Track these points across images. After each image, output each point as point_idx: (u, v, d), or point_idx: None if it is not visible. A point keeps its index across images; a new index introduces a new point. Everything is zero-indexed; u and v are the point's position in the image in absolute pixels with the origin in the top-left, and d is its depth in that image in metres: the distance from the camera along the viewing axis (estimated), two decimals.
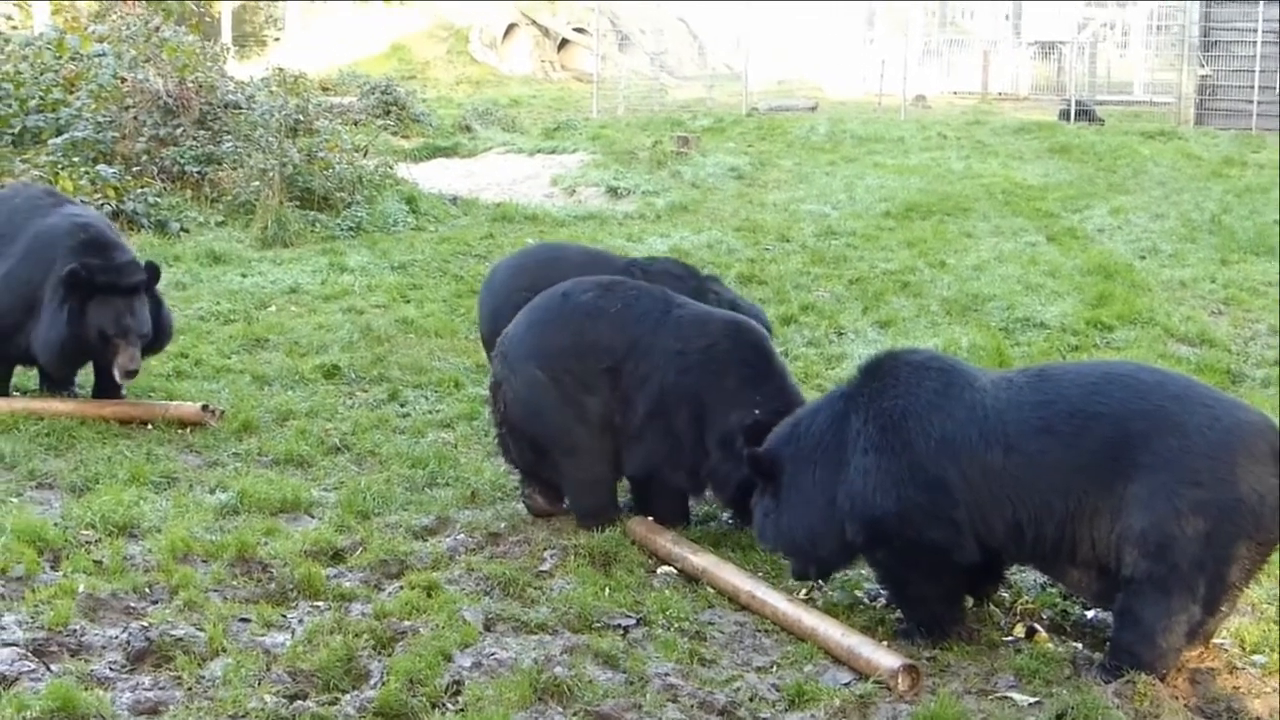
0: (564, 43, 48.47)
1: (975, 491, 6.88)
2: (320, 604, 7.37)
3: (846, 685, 6.64)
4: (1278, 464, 6.53)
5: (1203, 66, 33.64)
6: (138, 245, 16.21)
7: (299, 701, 6.31)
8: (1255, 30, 32.63)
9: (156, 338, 10.62)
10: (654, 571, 7.97)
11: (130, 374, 10.42)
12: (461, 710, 6.26)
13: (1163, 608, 6.53)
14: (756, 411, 8.04)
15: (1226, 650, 7.05)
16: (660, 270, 10.53)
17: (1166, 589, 6.50)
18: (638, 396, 8.35)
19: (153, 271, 10.59)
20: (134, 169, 18.23)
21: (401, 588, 7.55)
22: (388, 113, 29.56)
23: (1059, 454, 6.75)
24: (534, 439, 8.54)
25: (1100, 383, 6.87)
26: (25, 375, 11.15)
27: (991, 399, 6.97)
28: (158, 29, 21.94)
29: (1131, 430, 6.63)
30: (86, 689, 6.24)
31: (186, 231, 17.48)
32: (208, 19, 38.14)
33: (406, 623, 7.06)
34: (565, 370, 8.38)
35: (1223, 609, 6.76)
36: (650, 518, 8.54)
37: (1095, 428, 6.70)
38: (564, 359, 8.41)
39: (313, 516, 8.73)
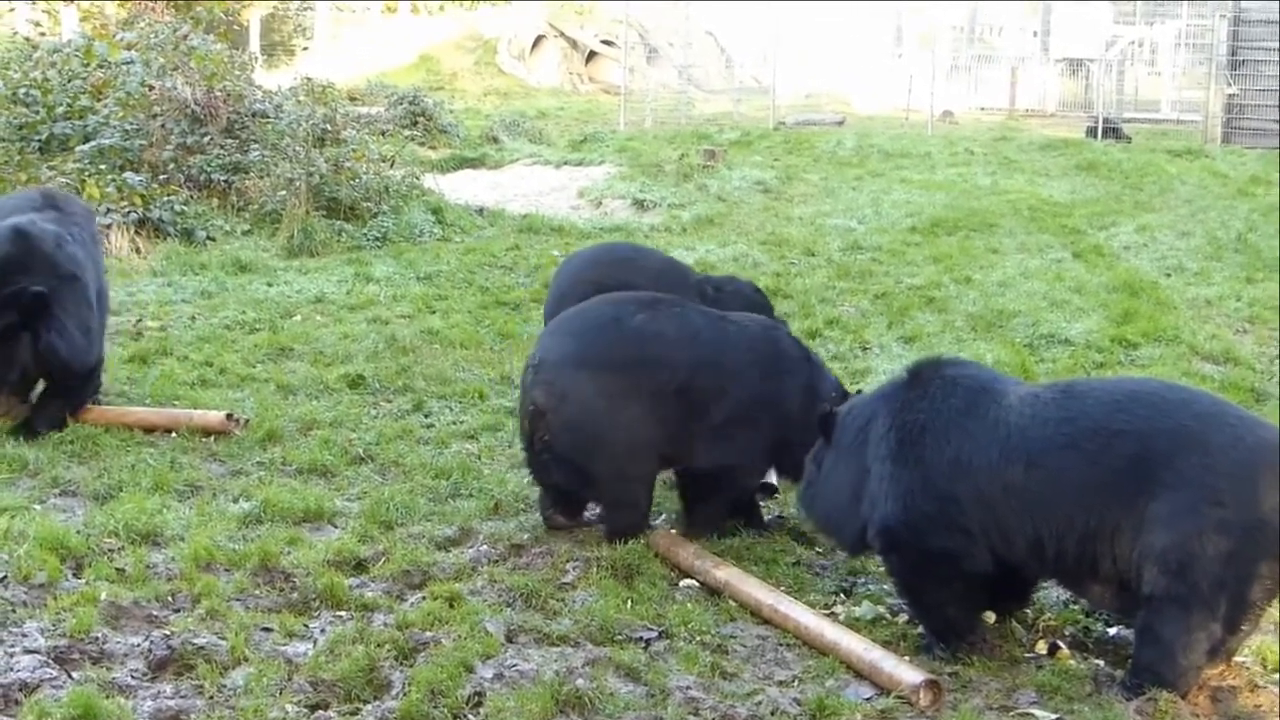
0: (592, 55, 48.51)
1: (995, 508, 6.91)
2: (342, 614, 7.38)
3: (868, 700, 6.64)
4: None
5: (1230, 85, 33.57)
6: (163, 253, 16.34)
7: (320, 711, 6.32)
8: None
9: (49, 371, 10.19)
10: (676, 584, 7.98)
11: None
12: None
13: (1183, 626, 6.53)
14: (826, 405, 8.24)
15: (1248, 668, 7.04)
16: (734, 292, 10.59)
17: (1187, 607, 6.50)
18: (715, 408, 8.44)
19: (29, 309, 9.91)
20: (161, 177, 18.25)
21: (424, 598, 7.56)
22: (415, 123, 29.59)
23: (1082, 470, 6.75)
24: (584, 465, 8.45)
25: (1125, 400, 6.87)
26: None
27: (1016, 415, 6.99)
28: (186, 37, 22.03)
29: (1155, 448, 6.63)
30: (108, 697, 6.26)
31: (213, 240, 17.51)
32: (236, 27, 38.28)
33: (428, 633, 7.07)
34: (625, 395, 8.35)
35: (1244, 627, 6.75)
36: (691, 522, 8.73)
37: (1118, 445, 6.70)
38: (625, 383, 8.36)
39: (336, 526, 8.74)
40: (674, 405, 8.39)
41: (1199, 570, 6.45)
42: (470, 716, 6.32)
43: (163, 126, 19.29)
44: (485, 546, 8.40)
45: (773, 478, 9.29)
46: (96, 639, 6.85)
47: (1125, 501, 6.64)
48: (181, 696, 6.38)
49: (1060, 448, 6.83)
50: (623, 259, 11.01)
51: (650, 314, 8.59)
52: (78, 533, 8.19)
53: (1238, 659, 7.00)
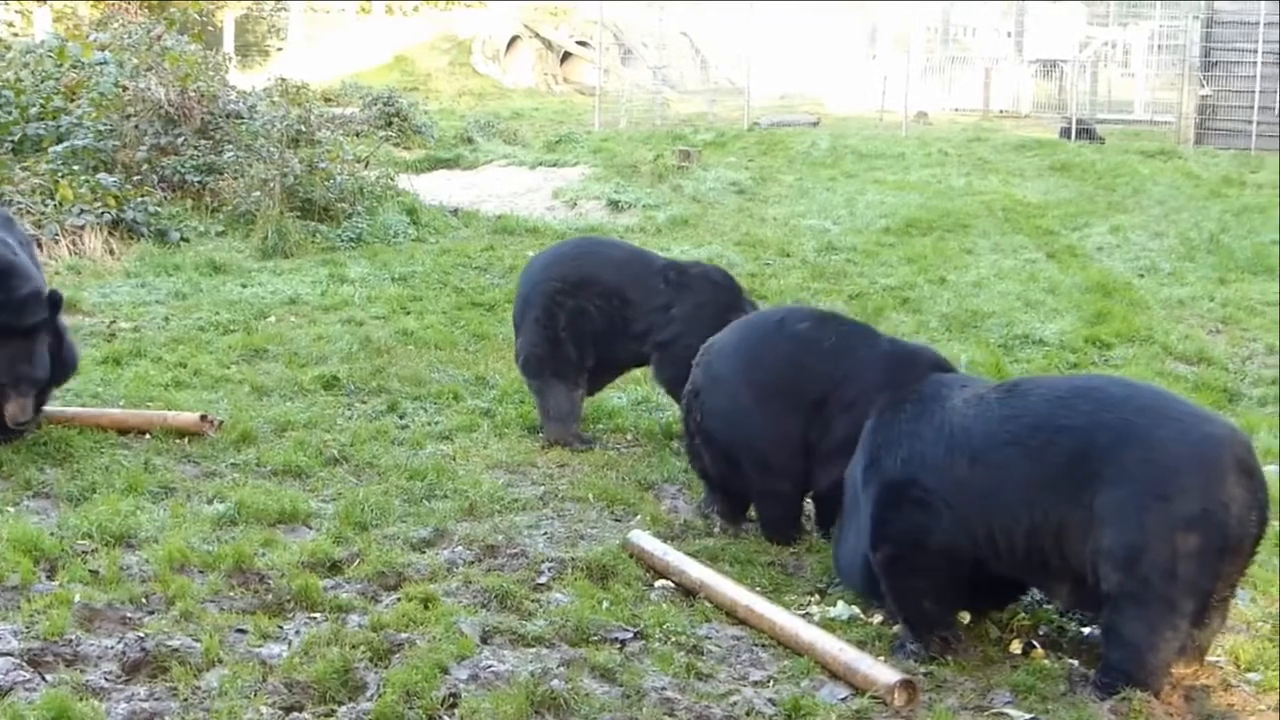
0: (566, 55, 48.57)
1: (950, 498, 6.96)
2: (317, 615, 7.37)
3: (843, 700, 6.64)
4: (1244, 475, 6.57)
5: (1203, 87, 33.68)
6: (137, 254, 16.30)
7: (295, 713, 6.31)
8: (1255, 51, 32.68)
9: (56, 375, 9.94)
10: (651, 585, 7.97)
11: (21, 425, 9.63)
12: None
13: (1144, 623, 6.56)
14: None
15: (1221, 668, 7.06)
16: (699, 275, 10.64)
17: (1143, 604, 6.52)
18: (838, 421, 8.38)
19: (55, 303, 9.80)
20: (135, 178, 18.20)
21: (399, 599, 7.54)
22: (389, 124, 29.57)
23: (1024, 467, 6.81)
24: (729, 450, 8.71)
25: (1068, 396, 6.92)
26: None
27: (959, 415, 7.07)
28: (160, 37, 21.97)
29: (1096, 443, 6.66)
30: (82, 699, 6.24)
31: (186, 241, 17.47)
32: (210, 28, 38.28)
33: (403, 635, 7.06)
34: (774, 392, 8.51)
35: (1210, 622, 6.78)
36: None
37: (1060, 441, 6.75)
38: (775, 381, 8.53)
39: (310, 528, 8.72)
40: (811, 412, 8.46)
41: (1148, 565, 6.47)
42: (445, 718, 6.31)
43: (136, 127, 19.24)
44: (460, 548, 8.38)
45: None
46: (70, 641, 6.83)
47: (1069, 497, 6.68)
48: (155, 699, 6.36)
49: (1002, 444, 6.90)
50: (587, 252, 11.06)
51: (814, 324, 8.76)
52: (51, 535, 8.17)
53: (1211, 658, 7.03)
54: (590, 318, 10.50)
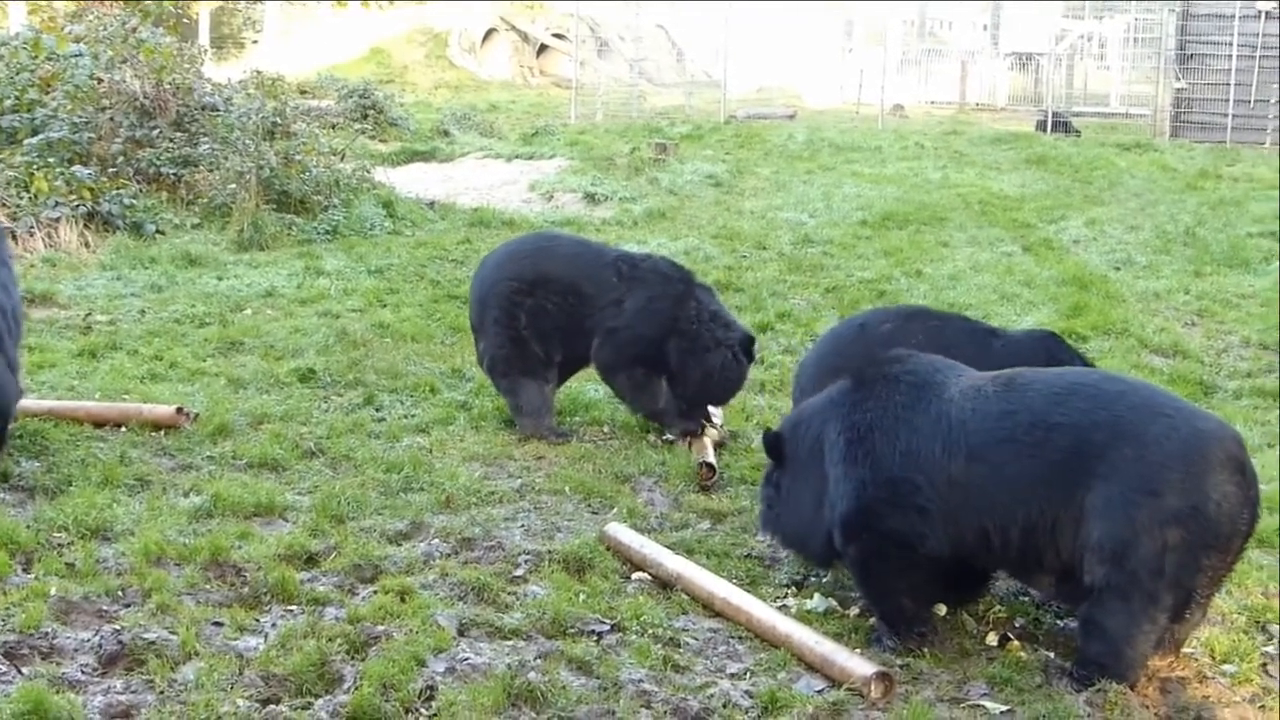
0: (543, 48, 48.46)
1: (943, 500, 6.94)
2: (294, 608, 7.35)
3: (820, 692, 6.66)
4: (1236, 472, 6.59)
5: (1179, 79, 33.77)
6: (113, 247, 16.25)
7: (272, 706, 6.29)
8: (1231, 44, 32.82)
9: None
10: (628, 578, 7.98)
11: None
12: (435, 715, 6.25)
13: (1125, 617, 6.58)
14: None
15: (1197, 660, 7.09)
16: (650, 268, 10.60)
17: (1127, 597, 6.55)
18: None
19: None
20: (110, 170, 18.14)
21: (375, 592, 7.53)
22: (365, 116, 29.52)
23: (1020, 464, 6.81)
24: None
25: (1063, 393, 6.91)
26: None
27: (957, 409, 7.03)
28: (135, 30, 21.85)
29: (1090, 440, 6.68)
30: (58, 692, 6.22)
31: (162, 234, 17.42)
32: (185, 20, 38.03)
33: (380, 627, 7.05)
34: None
35: (1191, 616, 6.81)
36: None
37: (1055, 438, 6.76)
38: None
39: (287, 520, 8.70)
40: None
41: (1136, 560, 6.50)
42: (422, 710, 6.31)
43: (111, 120, 19.18)
44: (437, 540, 8.37)
45: None
46: (46, 634, 6.81)
47: (1063, 494, 6.70)
48: (132, 691, 6.34)
49: (999, 441, 6.89)
50: (539, 249, 11.03)
51: (899, 325, 8.70)
52: (27, 527, 8.15)
53: (1186, 650, 7.06)
54: (550, 314, 10.51)
